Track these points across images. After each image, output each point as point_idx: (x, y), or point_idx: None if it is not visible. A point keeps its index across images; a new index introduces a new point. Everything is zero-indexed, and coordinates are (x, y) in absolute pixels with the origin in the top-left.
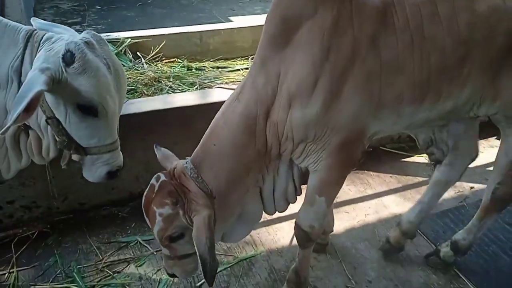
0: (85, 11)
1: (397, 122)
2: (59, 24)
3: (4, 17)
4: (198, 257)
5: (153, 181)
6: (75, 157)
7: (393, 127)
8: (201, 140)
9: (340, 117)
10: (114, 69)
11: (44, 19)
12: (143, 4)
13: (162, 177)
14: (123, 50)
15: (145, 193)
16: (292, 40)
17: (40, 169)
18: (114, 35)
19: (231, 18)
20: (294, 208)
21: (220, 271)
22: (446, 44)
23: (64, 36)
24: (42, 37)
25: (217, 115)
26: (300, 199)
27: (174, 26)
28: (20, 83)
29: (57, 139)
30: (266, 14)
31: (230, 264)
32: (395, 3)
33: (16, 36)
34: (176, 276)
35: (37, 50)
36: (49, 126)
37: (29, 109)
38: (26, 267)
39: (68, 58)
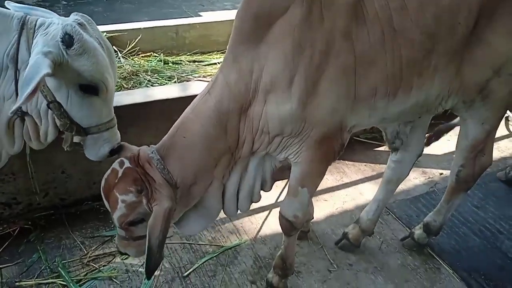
0: (51, 6)
1: (372, 115)
2: (37, 7)
3: None
4: (146, 247)
5: (115, 165)
6: (76, 138)
7: (369, 120)
8: (169, 131)
9: (317, 112)
10: (106, 47)
11: None
12: None
13: (127, 163)
14: None
15: (105, 175)
16: (265, 37)
17: (20, 165)
18: None
19: (201, 13)
20: (275, 197)
21: (206, 260)
22: (415, 37)
23: (54, 20)
24: (36, 23)
25: (187, 109)
26: (276, 189)
27: (148, 20)
28: (17, 70)
29: (58, 122)
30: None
31: (216, 253)
32: None
33: (10, 23)
34: (127, 255)
35: (33, 36)
36: (49, 111)
37: (33, 92)
38: (9, 264)
39: (67, 40)
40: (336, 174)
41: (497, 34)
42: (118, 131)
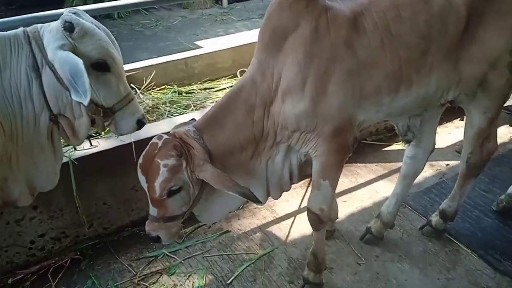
0: None
1: (380, 110)
2: None
3: None
4: (238, 195)
5: (154, 140)
6: (106, 121)
7: (377, 115)
8: (204, 114)
9: (328, 110)
10: (103, 29)
11: None
12: None
13: (165, 136)
14: None
15: (144, 151)
16: (282, 47)
17: (66, 201)
18: None
19: (197, 42)
20: (298, 204)
21: (245, 267)
22: (410, 40)
23: (52, 23)
24: (38, 28)
25: (221, 100)
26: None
27: (153, 57)
28: (40, 76)
29: (86, 109)
30: (231, 35)
31: (253, 260)
32: (363, 10)
33: (18, 40)
34: (159, 241)
35: (41, 39)
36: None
37: None
38: None
39: (68, 27)
40: (351, 176)
41: (488, 32)
42: (139, 105)
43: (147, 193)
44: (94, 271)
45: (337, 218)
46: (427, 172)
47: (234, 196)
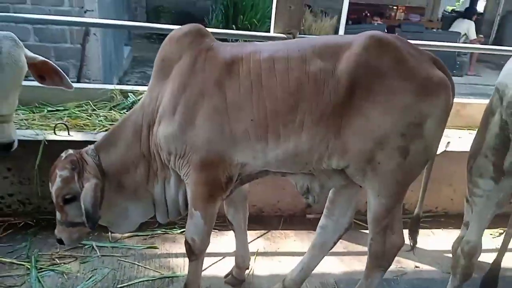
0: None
1: (256, 157)
2: None
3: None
4: (83, 210)
5: (62, 154)
6: None
7: (255, 161)
8: (104, 134)
9: (195, 139)
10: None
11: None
12: None
13: (70, 151)
14: None
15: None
16: (168, 76)
17: (34, 173)
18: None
19: None
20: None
21: (141, 281)
22: (278, 93)
23: None
24: None
25: (117, 122)
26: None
27: None
28: None
29: None
30: None
31: (152, 279)
32: (243, 57)
33: None
34: (62, 243)
35: None
36: None
37: None
38: (3, 245)
39: None
40: (308, 242)
41: (376, 108)
42: (13, 131)
43: None
44: (35, 238)
45: (248, 268)
46: None
47: (137, 209)
